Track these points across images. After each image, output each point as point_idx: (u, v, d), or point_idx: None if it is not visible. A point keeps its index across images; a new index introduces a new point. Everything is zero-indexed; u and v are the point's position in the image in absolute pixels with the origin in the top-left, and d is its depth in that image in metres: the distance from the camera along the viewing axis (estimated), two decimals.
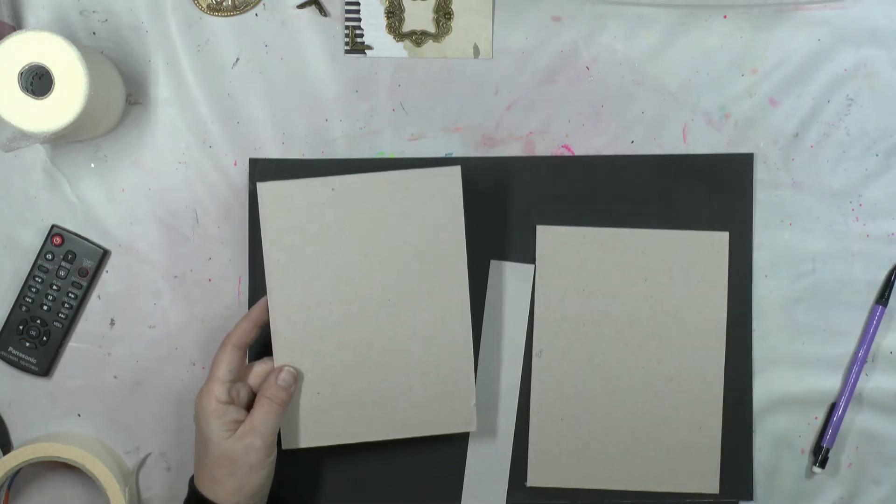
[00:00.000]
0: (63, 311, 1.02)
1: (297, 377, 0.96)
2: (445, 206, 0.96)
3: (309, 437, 0.97)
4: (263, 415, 0.93)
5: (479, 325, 1.02)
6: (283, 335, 0.96)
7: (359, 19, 1.02)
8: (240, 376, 0.95)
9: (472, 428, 0.98)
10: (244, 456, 0.92)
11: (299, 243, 0.95)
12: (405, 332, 0.97)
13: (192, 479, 0.95)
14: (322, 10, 1.02)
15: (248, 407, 0.95)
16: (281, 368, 0.95)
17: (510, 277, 1.03)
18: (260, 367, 0.97)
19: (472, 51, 1.03)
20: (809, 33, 1.03)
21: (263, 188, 0.95)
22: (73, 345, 1.03)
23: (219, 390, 0.93)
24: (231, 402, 0.93)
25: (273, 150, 1.03)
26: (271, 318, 0.96)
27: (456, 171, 0.96)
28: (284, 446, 0.97)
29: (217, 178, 1.03)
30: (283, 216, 0.95)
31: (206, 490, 0.93)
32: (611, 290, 1.03)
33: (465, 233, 0.96)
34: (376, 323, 0.96)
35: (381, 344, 0.96)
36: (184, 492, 0.96)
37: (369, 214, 0.96)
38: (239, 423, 0.93)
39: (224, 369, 0.94)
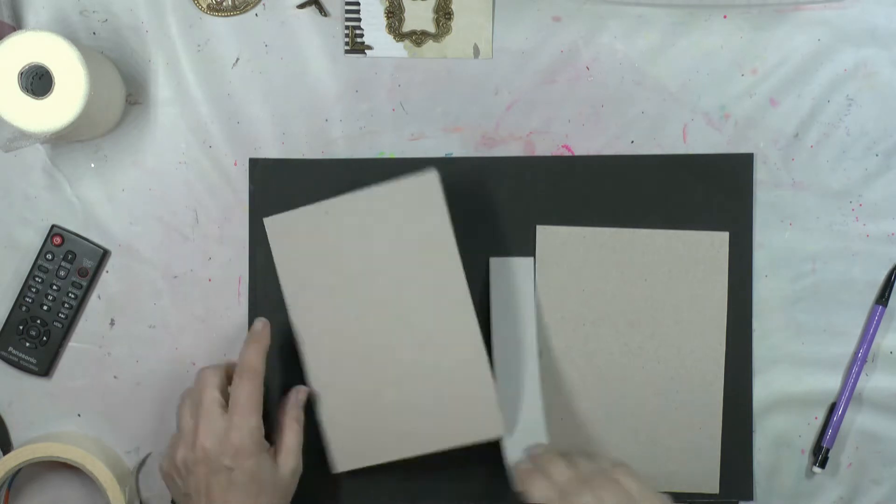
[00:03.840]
0: (63, 311, 1.02)
1: (310, 395, 0.98)
2: (430, 213, 0.95)
3: (355, 458, 0.97)
4: (294, 436, 0.95)
5: (486, 326, 1.01)
6: (315, 365, 0.97)
7: (359, 19, 1.02)
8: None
9: (500, 432, 0.96)
10: (292, 483, 0.94)
11: (309, 270, 0.97)
12: (416, 344, 0.96)
13: None
14: (322, 10, 1.02)
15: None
16: (298, 389, 0.97)
17: (511, 273, 1.02)
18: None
19: (472, 51, 1.03)
20: (809, 33, 1.03)
21: (270, 222, 0.97)
22: (73, 345, 1.03)
23: (254, 421, 0.93)
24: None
25: (273, 150, 1.03)
26: (302, 348, 0.97)
27: (433, 177, 0.95)
28: (338, 469, 0.97)
29: (217, 178, 1.03)
30: (291, 246, 0.97)
31: None
32: (611, 290, 1.03)
33: (466, 234, 0.96)
34: (389, 339, 0.96)
35: (397, 359, 0.96)
36: None
37: (360, 233, 0.96)
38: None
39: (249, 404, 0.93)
